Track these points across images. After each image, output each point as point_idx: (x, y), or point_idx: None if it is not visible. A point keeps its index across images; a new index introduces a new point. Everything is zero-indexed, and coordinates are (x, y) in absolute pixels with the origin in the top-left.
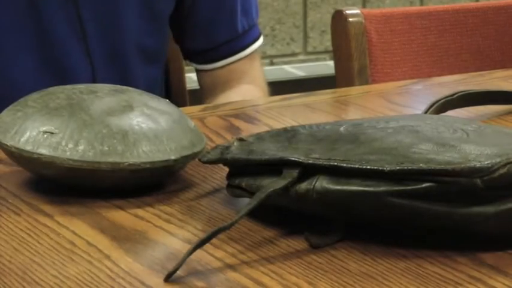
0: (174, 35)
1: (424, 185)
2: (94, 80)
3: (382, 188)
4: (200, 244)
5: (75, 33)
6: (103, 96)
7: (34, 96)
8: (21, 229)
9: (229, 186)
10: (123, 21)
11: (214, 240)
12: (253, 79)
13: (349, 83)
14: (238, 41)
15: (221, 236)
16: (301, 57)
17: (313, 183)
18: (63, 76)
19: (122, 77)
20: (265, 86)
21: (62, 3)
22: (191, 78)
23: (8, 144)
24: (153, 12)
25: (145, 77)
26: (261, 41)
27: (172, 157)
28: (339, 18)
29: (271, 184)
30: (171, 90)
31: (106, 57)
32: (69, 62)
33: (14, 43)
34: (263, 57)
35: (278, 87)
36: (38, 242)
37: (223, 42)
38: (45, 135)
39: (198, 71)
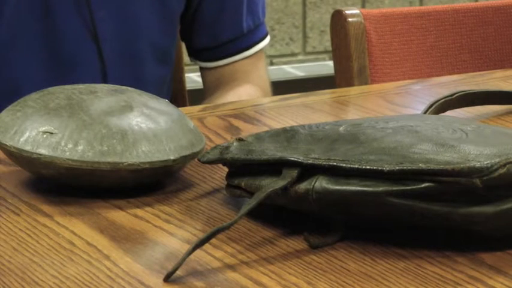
0: (180, 31)
1: (423, 185)
2: (105, 81)
3: (381, 188)
4: (199, 244)
5: (86, 33)
6: (102, 97)
7: (34, 96)
8: (20, 229)
9: (228, 186)
10: (137, 21)
11: (213, 240)
12: (257, 79)
13: (349, 83)
14: (243, 40)
15: (220, 236)
16: (300, 57)
17: (313, 183)
18: (73, 77)
19: (134, 77)
20: (268, 86)
21: (74, 2)
22: (191, 79)
23: (8, 144)
24: (167, 11)
25: (157, 77)
26: (267, 41)
27: (172, 157)
28: (338, 18)
29: (271, 184)
30: (171, 90)
31: (118, 57)
32: (80, 63)
33: (25, 42)
34: None
35: (277, 87)
36: (38, 242)
37: (228, 41)
38: (45, 135)
39: (202, 69)
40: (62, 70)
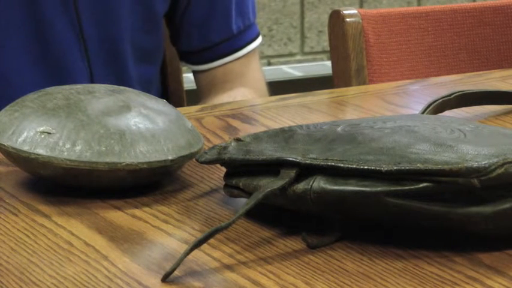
0: (170, 35)
1: (421, 185)
2: (91, 80)
3: (379, 188)
4: (197, 244)
5: (73, 33)
6: (100, 97)
7: (31, 96)
8: (18, 229)
9: (226, 186)
10: (119, 20)
11: (211, 241)
12: (250, 81)
13: (347, 83)
14: (233, 41)
15: (218, 236)
16: (298, 57)
17: (311, 183)
18: (60, 76)
19: (118, 76)
20: (264, 87)
21: (61, 3)
22: (188, 79)
23: (5, 144)
24: (148, 11)
25: (140, 77)
26: (258, 41)
27: (170, 157)
28: (336, 18)
29: (269, 184)
30: (169, 91)
31: (103, 56)
32: (67, 62)
33: (12, 41)
34: (260, 58)
35: (275, 88)
36: (36, 243)
37: (218, 42)
38: (43, 136)
39: (194, 73)
40: (51, 69)
